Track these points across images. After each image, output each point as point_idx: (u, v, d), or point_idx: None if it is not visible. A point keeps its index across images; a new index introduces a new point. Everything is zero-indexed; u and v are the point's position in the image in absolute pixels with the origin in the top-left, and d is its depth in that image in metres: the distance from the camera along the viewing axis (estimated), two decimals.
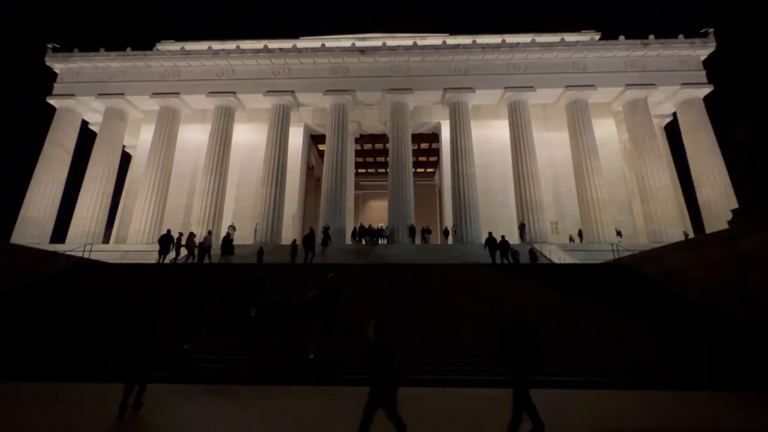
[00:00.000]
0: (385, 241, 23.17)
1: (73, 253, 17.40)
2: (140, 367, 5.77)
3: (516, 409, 4.60)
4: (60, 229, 25.40)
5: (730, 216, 10.18)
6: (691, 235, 23.81)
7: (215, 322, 9.89)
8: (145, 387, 5.88)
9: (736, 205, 11.32)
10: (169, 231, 19.40)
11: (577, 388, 7.06)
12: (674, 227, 22.66)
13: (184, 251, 19.50)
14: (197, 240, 19.68)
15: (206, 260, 18.35)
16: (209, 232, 21.18)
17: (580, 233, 23.91)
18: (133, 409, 5.68)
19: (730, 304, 9.59)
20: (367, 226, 23.82)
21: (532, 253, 18.42)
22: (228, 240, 20.18)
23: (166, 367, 7.37)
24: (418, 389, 6.98)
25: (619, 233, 23.21)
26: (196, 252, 18.67)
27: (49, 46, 26.95)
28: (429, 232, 25.62)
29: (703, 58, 25.44)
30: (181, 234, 20.37)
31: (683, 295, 11.28)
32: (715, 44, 25.01)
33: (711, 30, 25.09)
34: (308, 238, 18.31)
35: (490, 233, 18.84)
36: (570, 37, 28.20)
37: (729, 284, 9.64)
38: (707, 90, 24.83)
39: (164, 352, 6.74)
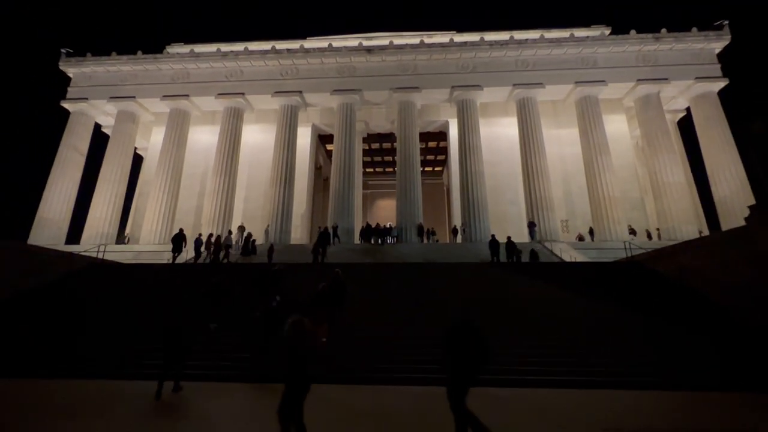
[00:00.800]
0: (393, 241, 23.13)
1: (87, 254, 17.77)
2: (173, 363, 6.85)
3: (458, 423, 4.18)
4: (75, 230, 26.00)
5: (746, 212, 9.91)
6: (706, 232, 23.32)
7: (227, 315, 10.02)
8: (180, 376, 6.98)
9: (752, 201, 11.02)
10: (181, 230, 19.72)
11: (587, 388, 6.98)
12: (689, 224, 22.19)
13: (199, 252, 19.80)
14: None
15: (224, 259, 18.67)
16: (230, 232, 21.67)
17: (591, 231, 23.57)
18: (173, 390, 6.77)
19: (745, 303, 9.35)
20: (374, 226, 23.73)
21: (533, 252, 18.25)
22: (249, 240, 20.42)
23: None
24: (428, 387, 6.97)
25: (633, 231, 22.89)
26: (219, 252, 19.08)
27: (63, 51, 27.52)
28: (433, 233, 25.53)
29: (717, 51, 24.83)
30: (200, 234, 20.78)
31: (698, 293, 11.04)
32: (729, 37, 24.38)
33: (726, 22, 24.46)
34: (323, 237, 18.47)
35: (492, 236, 18.73)
36: (579, 33, 27.78)
37: (744, 282, 9.41)
38: (722, 84, 24.23)
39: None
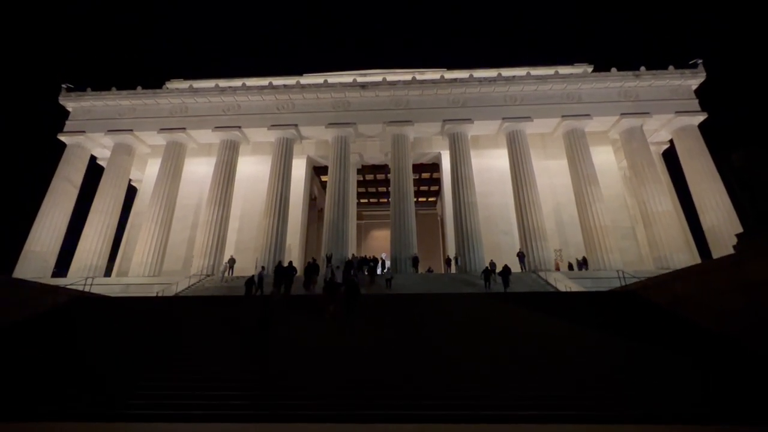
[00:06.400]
0: (380, 272, 21.81)
1: (74, 287, 17.31)
2: None
3: None
4: (64, 263, 25.45)
5: (735, 241, 10.07)
6: (698, 260, 23.49)
7: None
8: None
9: (740, 229, 11.23)
10: (314, 259, 19.44)
11: (587, 423, 6.73)
12: (680, 252, 22.38)
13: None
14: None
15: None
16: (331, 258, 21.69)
17: (584, 260, 23.63)
18: None
19: (740, 330, 9.30)
20: (351, 256, 22.50)
21: (506, 267, 18.90)
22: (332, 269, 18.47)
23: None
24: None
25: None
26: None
27: (64, 86, 28.15)
28: (430, 270, 25.28)
29: (694, 87, 26.10)
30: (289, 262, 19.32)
31: (691, 321, 10.96)
32: (704, 74, 25.72)
33: (699, 61, 25.92)
34: (348, 281, 17.99)
35: (486, 267, 19.41)
36: (563, 70, 29.17)
37: (737, 310, 9.39)
38: (701, 117, 25.28)
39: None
